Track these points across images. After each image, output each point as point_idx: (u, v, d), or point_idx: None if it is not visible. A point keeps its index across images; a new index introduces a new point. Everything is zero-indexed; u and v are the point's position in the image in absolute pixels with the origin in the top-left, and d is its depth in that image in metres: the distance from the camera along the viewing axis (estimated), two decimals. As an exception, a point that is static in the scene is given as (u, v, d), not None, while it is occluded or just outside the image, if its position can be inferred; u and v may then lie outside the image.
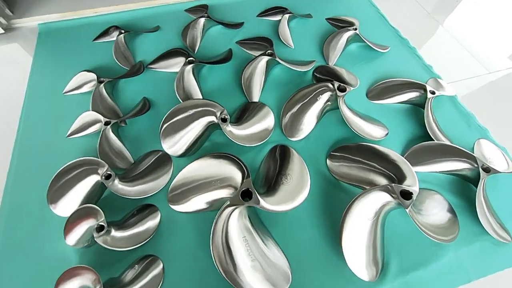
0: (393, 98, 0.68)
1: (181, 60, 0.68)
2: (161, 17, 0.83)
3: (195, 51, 0.75)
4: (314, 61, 0.73)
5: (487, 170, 0.53)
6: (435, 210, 0.51)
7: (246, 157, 0.57)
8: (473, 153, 0.59)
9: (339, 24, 0.82)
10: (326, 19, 0.84)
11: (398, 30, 0.84)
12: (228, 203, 0.45)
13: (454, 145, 0.57)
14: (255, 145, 0.59)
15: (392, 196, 0.45)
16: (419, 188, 0.52)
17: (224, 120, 0.56)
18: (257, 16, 0.85)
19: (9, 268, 0.47)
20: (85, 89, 0.66)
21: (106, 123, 0.58)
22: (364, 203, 0.45)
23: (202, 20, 0.77)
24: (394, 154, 0.52)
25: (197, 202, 0.51)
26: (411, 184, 0.47)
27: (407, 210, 0.44)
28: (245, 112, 0.64)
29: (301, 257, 0.48)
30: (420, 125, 0.63)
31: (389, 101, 0.68)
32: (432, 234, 0.45)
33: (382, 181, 0.51)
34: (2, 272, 0.47)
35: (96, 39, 0.77)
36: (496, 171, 0.53)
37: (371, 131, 0.60)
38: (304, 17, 0.84)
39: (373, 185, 0.51)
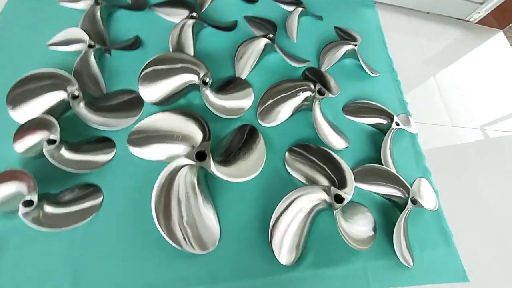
0: (363, 119, 0.73)
1: (185, 12, 0.68)
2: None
3: (202, 9, 0.74)
4: (308, 61, 0.76)
5: (414, 202, 0.60)
6: (360, 222, 0.57)
7: (214, 126, 0.59)
8: (411, 186, 0.66)
9: (343, 36, 0.85)
10: (334, 26, 0.87)
11: (393, 60, 0.89)
12: (182, 157, 0.48)
13: (395, 174, 0.63)
14: (227, 117, 0.61)
15: (327, 196, 0.50)
16: (356, 202, 0.59)
17: (205, 83, 0.57)
18: (273, -1, 0.85)
19: None
20: (81, 5, 0.63)
21: (90, 46, 0.57)
22: (302, 196, 0.50)
23: (219, -18, 0.77)
24: (344, 165, 0.58)
25: (155, 151, 0.54)
26: (347, 192, 0.53)
27: (335, 212, 0.50)
28: (229, 84, 0.65)
29: (233, 229, 0.53)
30: (376, 149, 0.69)
31: (360, 120, 0.73)
32: (348, 239, 0.51)
33: (325, 183, 0.56)
34: None
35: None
36: (421, 206, 0.61)
37: (333, 140, 0.65)
38: (315, 17, 0.86)
39: (316, 184, 0.57)
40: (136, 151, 0.54)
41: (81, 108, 0.51)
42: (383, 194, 0.64)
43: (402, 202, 0.62)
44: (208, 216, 0.51)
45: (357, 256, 0.56)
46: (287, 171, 0.61)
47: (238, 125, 0.62)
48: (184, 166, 0.48)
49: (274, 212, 0.50)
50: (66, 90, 0.51)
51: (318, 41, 0.82)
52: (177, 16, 0.68)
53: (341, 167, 0.57)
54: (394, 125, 0.70)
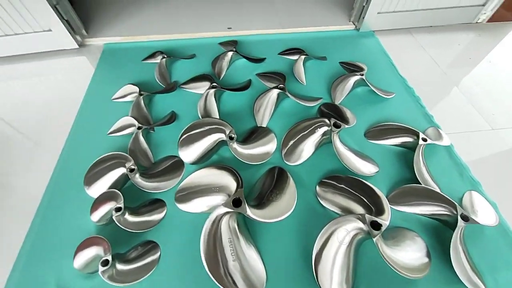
0: (388, 140, 0.74)
1: (207, 84, 0.82)
2: (198, 47, 1.00)
3: (220, 78, 0.89)
4: (321, 98, 0.82)
5: (465, 218, 0.56)
6: (409, 248, 0.54)
7: (245, 173, 0.66)
8: (462, 203, 0.62)
9: (350, 68, 0.91)
10: (339, 62, 0.95)
11: (405, 79, 0.92)
12: (221, 206, 0.54)
13: (436, 191, 0.61)
14: (255, 163, 0.68)
15: (363, 225, 0.51)
16: (401, 227, 0.57)
17: (231, 138, 0.66)
18: (278, 54, 0.98)
19: (45, 231, 0.60)
20: (128, 98, 0.82)
21: (139, 128, 0.72)
22: (338, 228, 0.51)
23: (230, 53, 0.92)
24: (376, 190, 0.58)
25: (198, 204, 0.61)
26: (384, 218, 0.52)
27: (375, 240, 0.49)
28: (252, 134, 0.74)
29: (278, 268, 0.55)
30: (410, 168, 0.68)
31: (384, 142, 0.74)
32: (397, 268, 0.49)
33: (361, 211, 0.57)
34: (40, 233, 0.59)
35: (144, 59, 0.95)
36: (475, 221, 0.56)
37: (361, 167, 0.66)
38: (319, 59, 0.95)
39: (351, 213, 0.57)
40: (182, 206, 0.62)
41: (137, 178, 0.63)
42: (429, 215, 0.61)
43: (452, 221, 0.58)
44: (252, 258, 0.54)
45: (416, 286, 0.53)
46: (321, 204, 0.63)
47: (267, 168, 0.68)
48: (223, 214, 0.54)
49: (314, 248, 0.51)
50: (125, 166, 0.63)
51: (326, 79, 0.89)
52: (201, 88, 0.83)
53: (374, 193, 0.57)
54: (421, 141, 0.69)
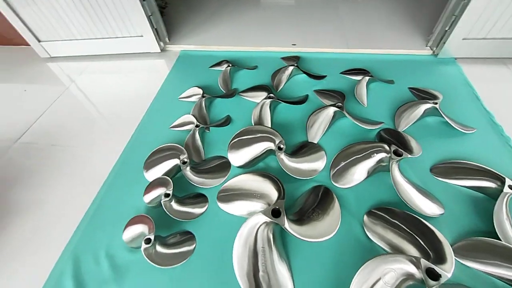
0: (461, 181, 0.63)
1: (264, 94, 0.85)
2: (261, 59, 1.05)
3: (278, 90, 0.91)
4: (382, 122, 0.76)
5: None
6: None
7: (288, 186, 0.64)
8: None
9: (421, 95, 0.83)
10: (409, 88, 0.87)
11: (493, 114, 0.78)
12: (259, 213, 0.53)
13: (523, 252, 0.49)
14: (301, 178, 0.66)
15: (416, 270, 0.43)
16: (464, 286, 0.47)
17: (280, 148, 0.66)
18: (340, 73, 0.95)
19: (106, 202, 0.68)
20: (192, 99, 0.90)
21: (197, 126, 0.78)
22: (384, 265, 0.45)
23: (291, 68, 0.94)
24: (440, 235, 0.50)
25: (237, 206, 0.62)
26: (446, 269, 0.44)
27: (430, 292, 0.42)
28: (302, 148, 0.72)
29: (308, 293, 0.51)
30: (486, 219, 0.56)
31: (456, 182, 0.63)
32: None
33: (415, 254, 0.49)
34: (102, 203, 0.68)
35: (211, 66, 1.04)
36: None
37: (422, 204, 0.58)
38: (386, 82, 0.89)
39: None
40: (223, 206, 0.63)
41: (187, 171, 0.67)
42: (508, 280, 0.49)
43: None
44: (282, 274, 0.51)
45: None
46: (367, 235, 0.56)
47: (312, 186, 0.65)
48: (261, 222, 0.53)
49: (353, 283, 0.46)
50: (179, 158, 0.68)
51: (391, 104, 0.83)
52: (258, 97, 0.85)
53: (435, 237, 0.49)
54: (507, 189, 0.57)
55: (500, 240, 0.53)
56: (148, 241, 0.53)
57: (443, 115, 0.73)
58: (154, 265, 0.53)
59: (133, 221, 0.58)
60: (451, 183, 0.64)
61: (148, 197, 0.63)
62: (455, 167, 0.66)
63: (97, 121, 0.91)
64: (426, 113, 0.76)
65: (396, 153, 0.61)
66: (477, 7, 0.84)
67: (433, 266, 0.43)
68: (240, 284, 0.49)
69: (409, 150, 0.64)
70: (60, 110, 0.97)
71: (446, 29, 0.93)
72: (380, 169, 0.65)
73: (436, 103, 0.75)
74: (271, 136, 0.69)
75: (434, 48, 1.00)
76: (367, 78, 0.88)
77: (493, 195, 0.59)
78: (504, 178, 0.59)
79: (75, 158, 0.80)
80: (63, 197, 0.71)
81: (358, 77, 0.91)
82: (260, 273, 0.49)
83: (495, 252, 0.51)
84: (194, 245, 0.58)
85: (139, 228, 0.57)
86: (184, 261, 0.56)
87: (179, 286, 0.54)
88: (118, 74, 1.10)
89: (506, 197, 0.57)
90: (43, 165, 0.78)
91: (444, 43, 0.95)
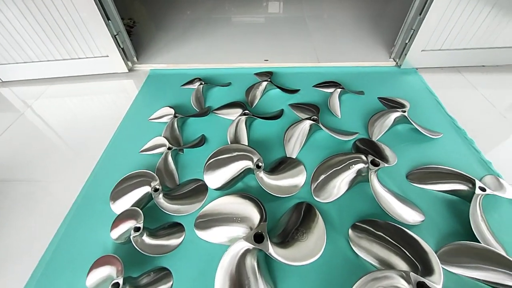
0: (435, 185, 0.65)
1: (239, 111, 0.83)
2: (235, 76, 1.04)
3: (253, 106, 0.89)
4: (357, 133, 0.77)
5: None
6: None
7: (270, 205, 0.62)
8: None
9: (390, 104, 0.86)
10: (378, 98, 0.90)
11: (455, 119, 0.83)
12: (241, 240, 0.49)
13: (501, 254, 0.50)
14: (282, 196, 0.63)
15: (407, 285, 0.42)
16: None
17: (258, 166, 0.64)
18: (312, 86, 0.97)
19: (67, 242, 0.60)
20: (164, 119, 0.85)
21: (169, 148, 0.73)
22: (374, 283, 0.43)
23: (265, 83, 0.94)
24: (425, 245, 0.49)
25: (217, 233, 0.57)
26: (435, 282, 0.43)
27: (422, 308, 0.40)
28: (281, 164, 0.70)
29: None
30: (463, 221, 0.58)
31: (431, 187, 0.65)
32: None
33: (403, 267, 0.48)
34: (61, 244, 0.59)
35: (183, 85, 1.01)
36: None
37: (403, 213, 0.58)
38: (356, 93, 0.92)
39: (391, 268, 0.48)
40: (202, 234, 0.58)
41: (160, 199, 0.62)
42: (492, 283, 0.49)
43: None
44: (270, 308, 0.47)
45: None
46: (353, 250, 0.55)
47: (294, 203, 0.62)
48: (243, 250, 0.49)
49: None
50: (150, 185, 0.63)
51: (363, 114, 0.85)
52: (233, 114, 0.83)
53: (420, 247, 0.48)
54: (478, 191, 0.59)
55: (479, 241, 0.54)
56: (116, 286, 0.47)
57: (412, 122, 0.76)
58: (125, 313, 0.47)
59: (98, 263, 0.51)
60: (427, 188, 0.65)
61: (116, 233, 0.57)
62: (428, 172, 0.68)
63: (58, 148, 0.83)
64: (396, 121, 0.79)
65: (374, 163, 0.61)
66: (431, 22, 0.92)
67: (423, 279, 0.42)
68: (224, 324, 0.44)
69: (385, 159, 0.65)
70: (14, 138, 0.87)
71: (406, 42, 1.00)
72: (360, 180, 0.65)
73: (404, 111, 0.78)
74: (248, 154, 0.66)
75: (397, 60, 1.07)
76: (338, 90, 0.90)
77: (466, 198, 0.61)
78: (474, 180, 0.61)
79: (32, 192, 0.71)
80: (15, 241, 0.61)
81: (330, 90, 0.93)
82: (246, 307, 0.45)
83: (476, 255, 0.52)
84: (170, 283, 0.52)
85: (106, 271, 0.50)
86: (160, 303, 0.50)
87: (154, 334, 0.47)
88: (82, 97, 1.02)
89: (478, 199, 0.58)
90: (-10, 205, 0.68)
91: (406, 54, 1.01)
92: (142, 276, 0.53)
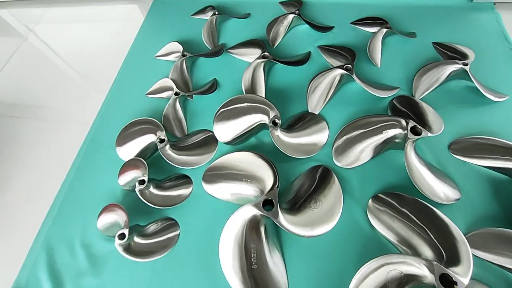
0: (483, 160, 0.54)
1: (257, 52, 0.69)
2: (255, 5, 0.85)
3: (274, 46, 0.75)
4: (397, 88, 0.64)
5: None
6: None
7: (284, 166, 0.56)
8: None
9: (447, 53, 0.68)
10: (432, 43, 0.71)
11: (532, 78, 0.65)
12: (250, 206, 0.46)
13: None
14: (298, 157, 0.57)
15: (429, 274, 0.38)
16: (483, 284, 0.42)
17: (274, 123, 0.55)
18: (350, 23, 0.78)
19: (78, 184, 0.60)
20: (171, 58, 0.75)
21: (176, 93, 0.65)
22: (390, 268, 0.39)
23: (291, 16, 0.76)
24: (456, 230, 0.43)
25: (224, 190, 0.54)
26: (461, 274, 0.38)
27: (442, 301, 0.37)
28: (300, 120, 0.61)
29: (302, 286, 0.46)
30: (509, 206, 0.50)
31: (477, 162, 0.55)
32: None
33: (426, 251, 0.43)
34: (73, 184, 0.60)
35: (194, 14, 0.85)
36: None
37: (437, 189, 0.50)
38: (406, 35, 0.73)
39: (412, 251, 0.44)
40: (209, 188, 0.55)
41: (166, 151, 0.58)
42: (523, 275, 0.44)
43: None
44: (274, 267, 0.46)
45: None
46: (370, 223, 0.50)
47: (310, 166, 0.56)
48: (250, 214, 0.46)
49: (353, 281, 0.41)
50: (155, 134, 0.58)
51: (410, 64, 0.68)
52: (250, 56, 0.71)
53: (450, 232, 0.42)
54: (537, 172, 0.49)
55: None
56: (122, 236, 0.47)
57: (473, 79, 0.60)
58: (133, 258, 0.48)
59: (106, 209, 0.51)
60: (471, 162, 0.55)
61: (123, 180, 0.55)
62: (478, 143, 0.56)
63: (65, 81, 0.77)
64: (451, 76, 0.63)
65: (414, 131, 0.51)
66: None
67: (449, 272, 0.37)
68: (228, 281, 0.44)
69: (427, 125, 0.54)
70: (19, 68, 0.82)
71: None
72: (390, 147, 0.55)
73: (466, 64, 0.61)
74: (265, 107, 0.58)
75: (470, -11, 0.81)
76: (384, 30, 0.71)
77: (518, 178, 0.51)
78: (538, 160, 0.50)
79: (41, 131, 0.69)
80: (28, 181, 0.63)
81: (373, 29, 0.74)
82: (250, 267, 0.44)
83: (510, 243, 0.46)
84: (178, 232, 0.52)
85: (113, 218, 0.50)
86: (167, 251, 0.51)
87: (161, 279, 0.49)
88: (84, 24, 0.91)
89: (536, 182, 0.49)
90: (3, 141, 0.68)
91: (484, -19, 0.75)
92: (149, 224, 0.53)
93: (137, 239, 0.50)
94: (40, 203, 0.58)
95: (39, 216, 0.57)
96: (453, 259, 0.40)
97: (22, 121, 0.71)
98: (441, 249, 0.42)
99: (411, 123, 0.51)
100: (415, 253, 0.44)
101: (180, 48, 0.74)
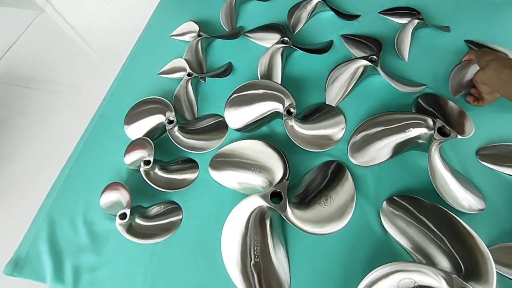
0: (514, 169, 0.50)
1: (277, 37, 0.66)
2: (278, -13, 0.81)
3: (295, 32, 0.71)
4: (424, 85, 0.59)
5: None
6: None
7: (296, 158, 0.53)
8: None
9: (483, 51, 0.62)
10: (465, 40, 0.66)
11: None
12: (257, 196, 0.43)
13: None
14: (311, 150, 0.54)
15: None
16: None
17: (289, 112, 0.52)
18: (379, 12, 0.73)
19: (84, 158, 0.59)
20: (186, 38, 0.72)
21: (189, 74, 0.63)
22: (403, 275, 0.37)
23: (315, 1, 0.71)
24: (480, 242, 0.39)
25: (231, 178, 0.52)
26: (482, 289, 0.35)
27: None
28: (316, 112, 0.58)
29: (305, 285, 0.44)
30: (538, 220, 0.45)
31: (507, 171, 0.50)
32: None
33: (442, 262, 0.40)
34: (79, 159, 0.59)
35: (213, -7, 0.81)
36: None
37: (459, 197, 0.46)
38: (439, 29, 0.67)
39: (427, 260, 0.41)
40: (215, 175, 0.53)
41: (174, 132, 0.56)
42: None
43: None
44: (278, 264, 0.44)
45: None
46: (383, 226, 0.47)
47: (324, 160, 0.53)
48: (256, 206, 0.44)
49: (362, 283, 0.38)
50: (165, 115, 0.56)
51: (440, 61, 0.63)
52: (269, 41, 0.67)
53: (472, 245, 0.39)
54: None
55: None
56: (123, 216, 0.46)
57: (510, 81, 0.55)
58: (133, 239, 0.47)
59: (110, 187, 0.50)
60: (500, 170, 0.51)
61: (129, 159, 0.54)
62: (510, 151, 0.52)
63: (79, 55, 0.76)
64: (485, 77, 0.58)
65: (441, 132, 0.47)
66: None
67: (467, 286, 0.34)
68: (228, 273, 0.42)
69: (456, 127, 0.50)
70: (35, 40, 0.81)
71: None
72: (412, 147, 0.52)
73: (504, 64, 0.56)
74: (280, 95, 0.54)
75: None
76: (415, 21, 0.66)
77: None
78: None
79: (52, 104, 0.69)
80: (37, 150, 0.62)
81: (403, 20, 0.69)
82: (253, 262, 0.43)
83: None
84: (180, 217, 0.51)
85: (115, 196, 0.49)
86: (169, 234, 0.49)
87: (160, 263, 0.48)
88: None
89: None
90: (15, 111, 0.68)
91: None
92: (152, 207, 0.52)
93: (138, 220, 0.49)
94: (46, 175, 0.58)
95: (45, 188, 0.56)
96: (474, 273, 0.37)
97: (33, 92, 0.71)
98: (460, 261, 0.39)
99: (439, 123, 0.47)
100: (430, 262, 0.41)
101: (196, 28, 0.71)
